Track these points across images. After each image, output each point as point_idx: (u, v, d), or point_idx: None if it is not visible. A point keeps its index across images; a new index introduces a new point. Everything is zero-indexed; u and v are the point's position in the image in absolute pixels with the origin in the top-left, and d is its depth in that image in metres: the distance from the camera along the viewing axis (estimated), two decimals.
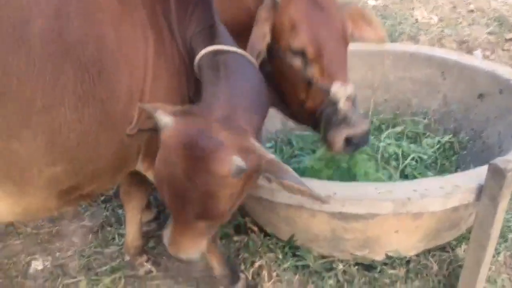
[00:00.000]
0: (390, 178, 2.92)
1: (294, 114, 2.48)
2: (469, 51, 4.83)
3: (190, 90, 2.04)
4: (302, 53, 2.19)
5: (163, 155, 1.67)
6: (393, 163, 3.04)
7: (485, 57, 4.72)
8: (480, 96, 3.20)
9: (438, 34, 5.17)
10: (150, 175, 2.16)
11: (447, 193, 2.14)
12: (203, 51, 1.90)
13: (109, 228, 3.00)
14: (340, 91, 2.17)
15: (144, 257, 2.72)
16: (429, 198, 2.14)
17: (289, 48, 2.21)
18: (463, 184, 2.17)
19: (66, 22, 1.72)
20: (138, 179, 2.52)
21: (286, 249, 2.62)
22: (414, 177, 2.99)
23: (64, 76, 1.70)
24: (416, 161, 3.12)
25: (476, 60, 3.38)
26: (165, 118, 1.67)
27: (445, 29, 5.30)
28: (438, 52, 3.55)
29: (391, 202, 2.13)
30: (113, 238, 2.92)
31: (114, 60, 1.81)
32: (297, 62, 2.21)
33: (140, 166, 2.12)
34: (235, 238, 2.78)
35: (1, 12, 1.63)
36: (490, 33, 5.16)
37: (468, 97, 3.25)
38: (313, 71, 2.21)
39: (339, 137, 2.18)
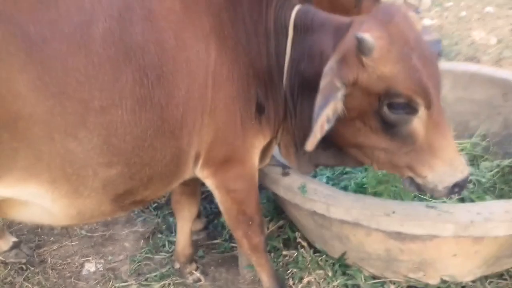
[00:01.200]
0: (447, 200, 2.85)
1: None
2: None
3: (261, 93, 2.03)
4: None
5: (398, 55, 1.71)
6: None
7: None
8: None
9: (497, 55, 5.04)
10: (209, 183, 2.16)
11: None
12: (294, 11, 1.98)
13: (160, 235, 3.04)
14: None
15: (194, 266, 2.75)
16: (493, 222, 2.06)
17: None
18: None
19: (128, 26, 1.74)
20: (190, 189, 2.56)
21: (336, 266, 2.57)
22: (472, 200, 2.91)
23: (123, 79, 1.72)
24: (474, 184, 3.03)
25: None
26: (365, 35, 1.67)
27: (504, 50, 5.16)
28: (500, 73, 3.43)
29: (453, 225, 2.07)
30: (164, 245, 2.96)
31: (173, 67, 1.83)
32: None
33: (200, 173, 2.12)
34: (284, 252, 2.76)
35: (63, 13, 1.65)
36: None
37: None
38: None
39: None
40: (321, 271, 2.58)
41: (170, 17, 1.85)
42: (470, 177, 3.04)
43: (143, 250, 2.93)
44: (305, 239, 2.73)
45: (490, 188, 3.05)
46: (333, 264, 2.58)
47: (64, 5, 1.66)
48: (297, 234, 2.77)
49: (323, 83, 1.74)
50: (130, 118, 1.76)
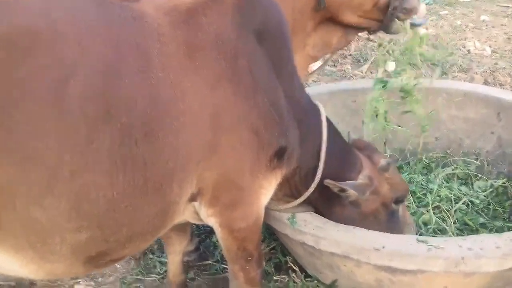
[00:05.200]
0: (443, 221, 2.85)
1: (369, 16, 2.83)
2: None
3: (283, 140, 2.04)
4: None
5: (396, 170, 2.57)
6: (444, 206, 2.97)
7: None
8: None
9: (492, 66, 5.01)
10: (212, 221, 2.05)
11: (504, 254, 2.05)
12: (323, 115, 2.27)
13: (151, 256, 3.01)
14: None
15: None
16: (484, 258, 2.05)
17: None
18: None
19: (114, 80, 1.59)
20: (179, 226, 2.44)
21: None
22: (465, 223, 2.92)
23: (99, 139, 1.56)
24: (468, 205, 3.03)
25: None
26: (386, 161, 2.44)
27: (499, 61, 5.14)
28: (494, 91, 3.43)
29: (443, 261, 2.06)
30: (155, 266, 2.93)
31: (166, 121, 1.69)
32: None
33: (204, 213, 2.01)
34: (276, 277, 2.74)
35: (40, 69, 1.49)
36: None
37: None
38: None
39: None
40: None
41: (172, 68, 1.71)
42: (464, 198, 3.05)
43: (134, 271, 2.90)
44: (296, 263, 2.72)
45: (484, 209, 3.06)
46: None
47: (42, 60, 1.49)
48: (289, 258, 2.76)
49: (363, 181, 2.28)
50: (105, 181, 1.59)
